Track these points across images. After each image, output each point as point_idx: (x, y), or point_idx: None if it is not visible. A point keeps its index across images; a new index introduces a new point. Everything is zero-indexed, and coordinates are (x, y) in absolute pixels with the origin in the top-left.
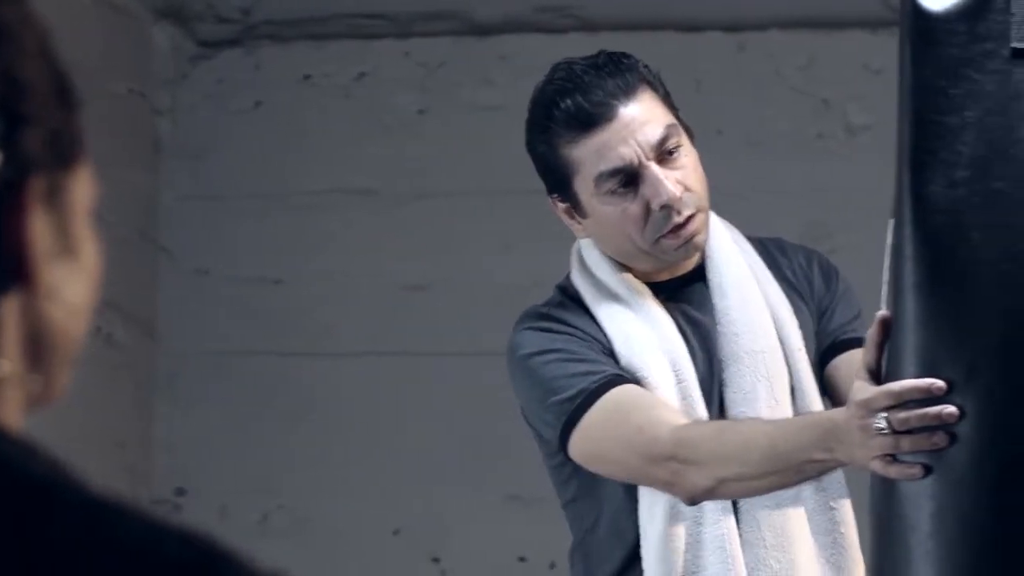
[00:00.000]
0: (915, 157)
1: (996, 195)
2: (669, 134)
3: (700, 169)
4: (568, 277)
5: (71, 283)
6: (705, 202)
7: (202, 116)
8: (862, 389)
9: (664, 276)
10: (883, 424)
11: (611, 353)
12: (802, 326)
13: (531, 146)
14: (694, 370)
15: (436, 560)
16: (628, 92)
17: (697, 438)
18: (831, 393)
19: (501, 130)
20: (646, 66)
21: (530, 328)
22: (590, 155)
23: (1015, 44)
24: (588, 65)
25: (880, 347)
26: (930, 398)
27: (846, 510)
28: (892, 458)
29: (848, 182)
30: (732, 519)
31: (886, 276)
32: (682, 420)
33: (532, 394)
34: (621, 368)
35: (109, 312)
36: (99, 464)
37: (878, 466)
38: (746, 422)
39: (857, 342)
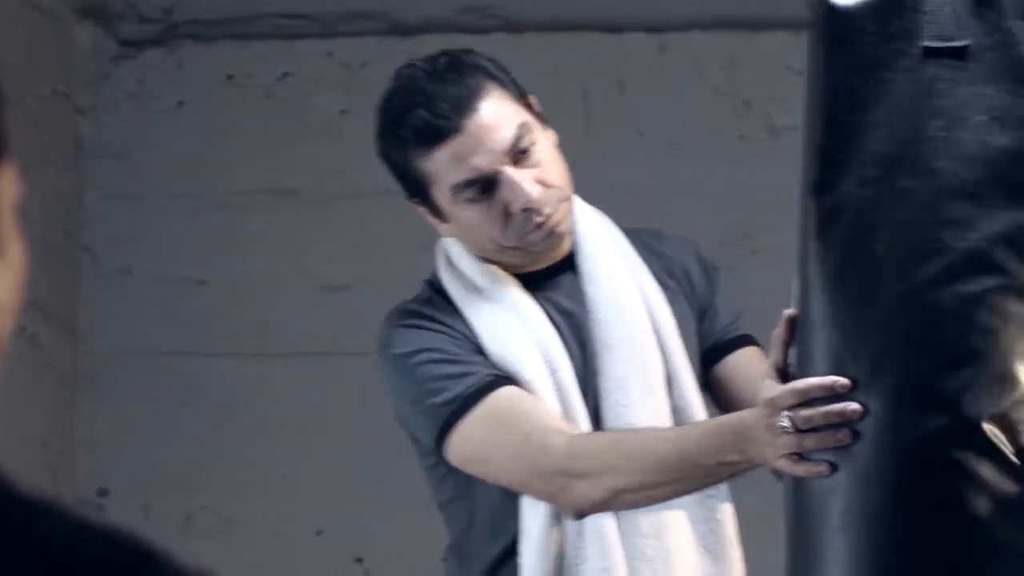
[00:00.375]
0: (824, 155)
1: (903, 194)
2: (521, 134)
3: (558, 158)
4: (435, 273)
5: None
6: (566, 191)
7: (125, 116)
8: (769, 388)
9: (533, 268)
10: (787, 423)
11: (480, 350)
12: (677, 315)
13: (384, 155)
14: (568, 360)
15: (359, 560)
16: (474, 97)
17: (593, 450)
18: (723, 392)
19: None
20: (491, 60)
21: (402, 326)
22: (442, 167)
23: (926, 43)
24: (430, 72)
25: (787, 346)
26: (835, 396)
27: (723, 499)
28: (799, 456)
29: (770, 183)
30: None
31: (798, 273)
32: (568, 428)
33: (406, 395)
34: (494, 365)
35: (32, 312)
36: (22, 464)
37: (785, 465)
38: (644, 430)
39: (745, 340)
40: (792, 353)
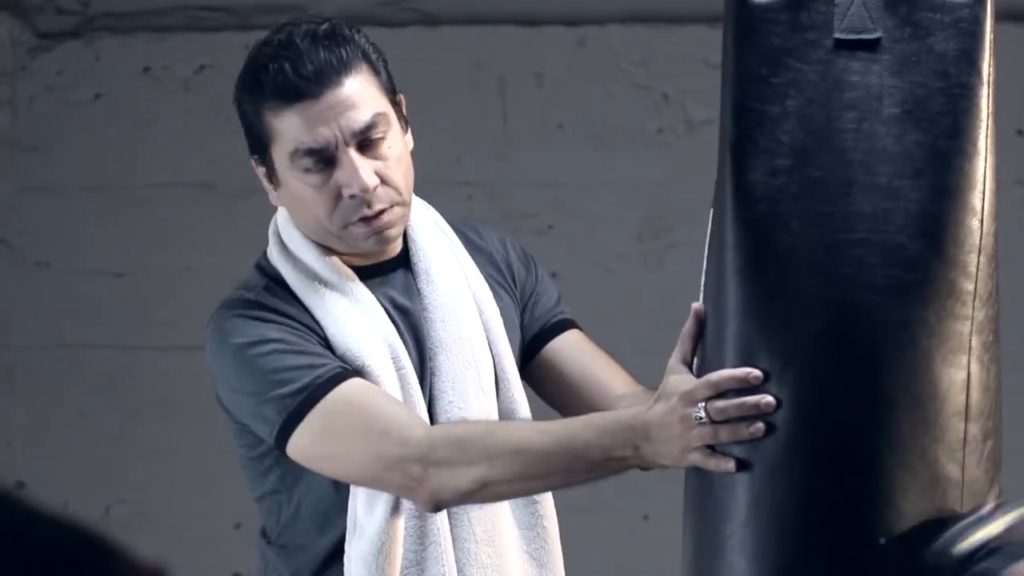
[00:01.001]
0: (736, 145)
1: (815, 184)
2: (376, 122)
3: (406, 161)
4: (266, 258)
5: None
6: (405, 196)
7: (42, 108)
8: (681, 381)
9: (366, 261)
10: (702, 414)
11: (325, 341)
12: (503, 312)
13: (238, 102)
14: (408, 357)
15: None
16: (341, 70)
17: (458, 439)
18: (548, 377)
19: None
20: (372, 44)
21: (240, 315)
22: (289, 128)
23: (838, 35)
24: (308, 33)
25: (695, 339)
26: (748, 387)
27: (548, 504)
28: (711, 451)
29: (688, 177)
30: (444, 513)
31: (705, 265)
32: (418, 420)
33: (244, 386)
34: (338, 358)
35: None
36: None
37: (697, 458)
38: (518, 423)
39: (567, 323)
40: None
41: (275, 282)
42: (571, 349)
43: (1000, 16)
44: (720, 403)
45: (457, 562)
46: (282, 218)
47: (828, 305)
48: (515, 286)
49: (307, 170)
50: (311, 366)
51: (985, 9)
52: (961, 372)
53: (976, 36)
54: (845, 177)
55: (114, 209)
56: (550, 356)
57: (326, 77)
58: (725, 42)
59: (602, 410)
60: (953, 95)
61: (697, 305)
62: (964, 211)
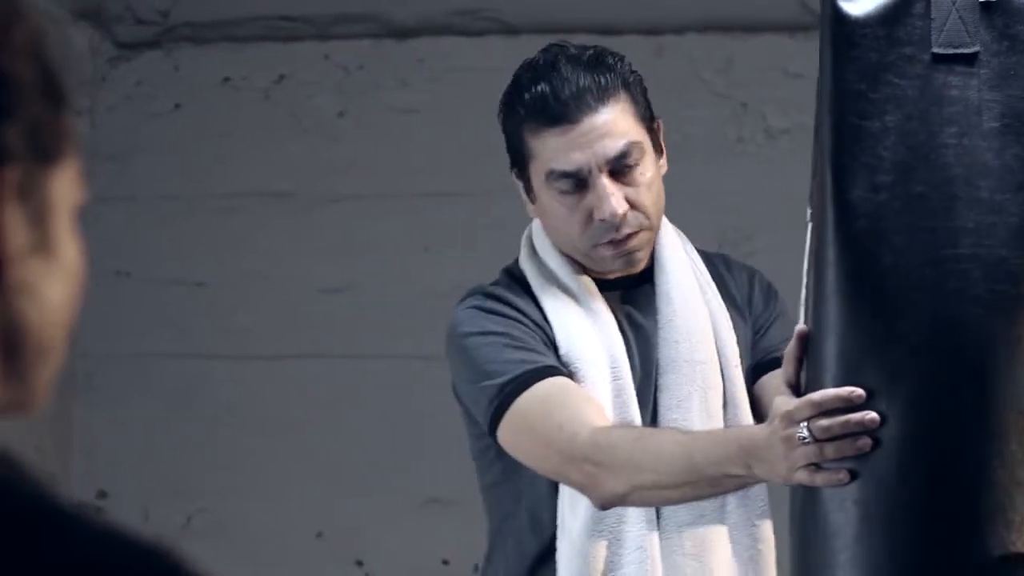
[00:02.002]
0: (836, 161)
1: (917, 199)
2: (629, 151)
3: (657, 187)
4: (516, 261)
5: (48, 282)
6: (654, 221)
7: (121, 118)
8: (784, 403)
9: (613, 275)
10: (805, 434)
11: (552, 342)
12: (740, 342)
13: (502, 120)
14: (630, 371)
15: (359, 563)
16: (601, 96)
17: (615, 442)
18: (756, 409)
19: (419, 132)
20: (633, 72)
21: (474, 307)
22: (547, 150)
23: (936, 49)
24: (573, 57)
25: (799, 361)
26: (851, 406)
27: (767, 529)
28: (816, 467)
29: (767, 185)
30: (654, 521)
31: (805, 281)
32: (603, 421)
33: (466, 374)
34: (559, 358)
35: None
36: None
37: (803, 476)
38: (665, 431)
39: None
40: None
41: (517, 282)
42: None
43: None
44: (824, 421)
45: (665, 571)
46: (536, 226)
47: (934, 320)
48: (751, 316)
49: (561, 191)
50: (524, 361)
51: None
52: None
53: None
54: (947, 192)
55: (193, 218)
56: (758, 390)
57: (585, 103)
58: (822, 56)
59: None
60: None
61: (800, 326)
62: None
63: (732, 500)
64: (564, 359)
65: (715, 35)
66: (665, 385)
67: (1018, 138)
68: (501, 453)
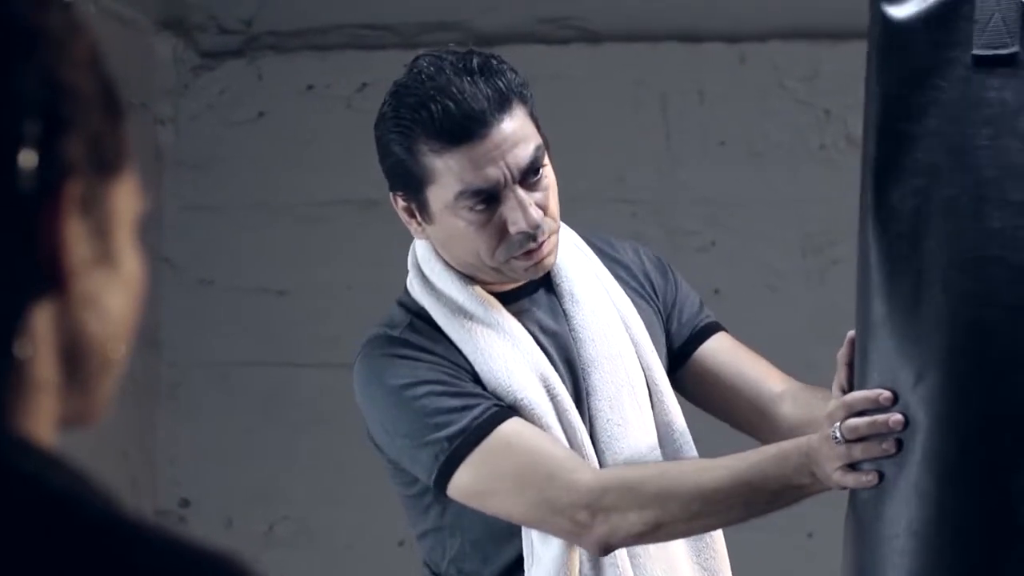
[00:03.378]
0: (877, 164)
1: (949, 203)
2: (538, 156)
3: (555, 187)
4: (407, 292)
5: (110, 293)
6: (558, 225)
7: (205, 127)
8: (831, 406)
9: (509, 286)
10: (837, 434)
11: (475, 376)
12: (648, 326)
13: (384, 142)
14: (561, 382)
15: None
16: (502, 106)
17: (633, 481)
18: (703, 381)
19: None
20: (515, 72)
21: (389, 355)
22: (455, 169)
23: (976, 51)
24: (461, 68)
25: (851, 367)
26: (880, 408)
27: (719, 536)
28: (852, 467)
29: (849, 192)
30: None
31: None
32: (590, 465)
33: (399, 429)
34: (491, 392)
35: None
36: (103, 476)
37: (839, 477)
38: (689, 461)
39: (715, 327)
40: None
41: (419, 317)
42: (723, 351)
43: None
44: (852, 422)
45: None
46: (421, 250)
47: (957, 322)
48: (655, 295)
49: (470, 209)
50: (467, 407)
51: None
52: None
53: None
54: (977, 194)
55: (276, 227)
56: (702, 360)
57: (491, 116)
58: (868, 60)
59: (764, 411)
60: None
61: (852, 333)
62: None
63: None
64: (495, 392)
65: (798, 42)
66: (592, 388)
67: None
68: (439, 499)
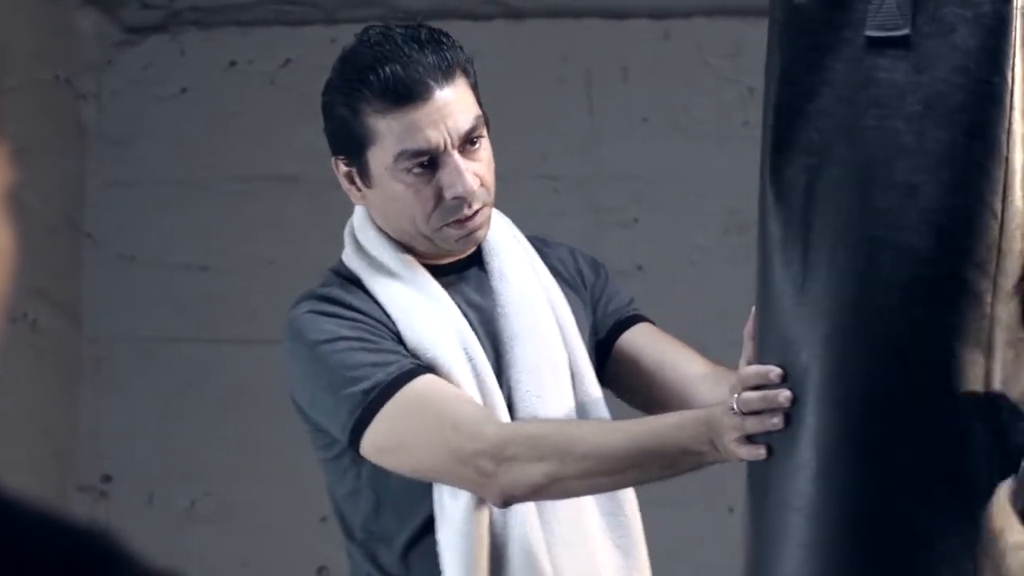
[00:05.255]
0: (773, 141)
1: (838, 181)
2: (476, 124)
3: (493, 163)
4: (341, 261)
5: None
6: (492, 198)
7: (128, 102)
8: (735, 378)
9: (441, 260)
10: (734, 405)
11: (397, 336)
12: (574, 312)
13: (329, 105)
14: (481, 350)
15: None
16: (446, 74)
17: (530, 435)
18: (628, 367)
19: None
20: (462, 49)
21: (312, 312)
22: (396, 130)
23: (869, 32)
24: (409, 37)
25: (755, 340)
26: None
27: (629, 493)
28: (746, 440)
29: None
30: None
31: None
32: (496, 417)
33: (317, 383)
34: (410, 351)
35: (34, 298)
36: (25, 451)
37: (733, 447)
38: (587, 422)
39: (640, 318)
40: None
41: (349, 281)
42: (645, 338)
43: None
44: (746, 395)
45: (545, 540)
46: (358, 219)
47: (843, 300)
48: (584, 287)
49: (409, 171)
50: (384, 363)
51: (1010, 6)
52: (979, 368)
53: (1000, 33)
54: (864, 174)
55: (199, 203)
56: (624, 347)
57: (435, 81)
58: (769, 40)
59: (684, 393)
60: (973, 92)
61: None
62: (981, 208)
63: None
64: (413, 350)
65: (723, 19)
66: (514, 360)
67: (937, 121)
68: (355, 461)
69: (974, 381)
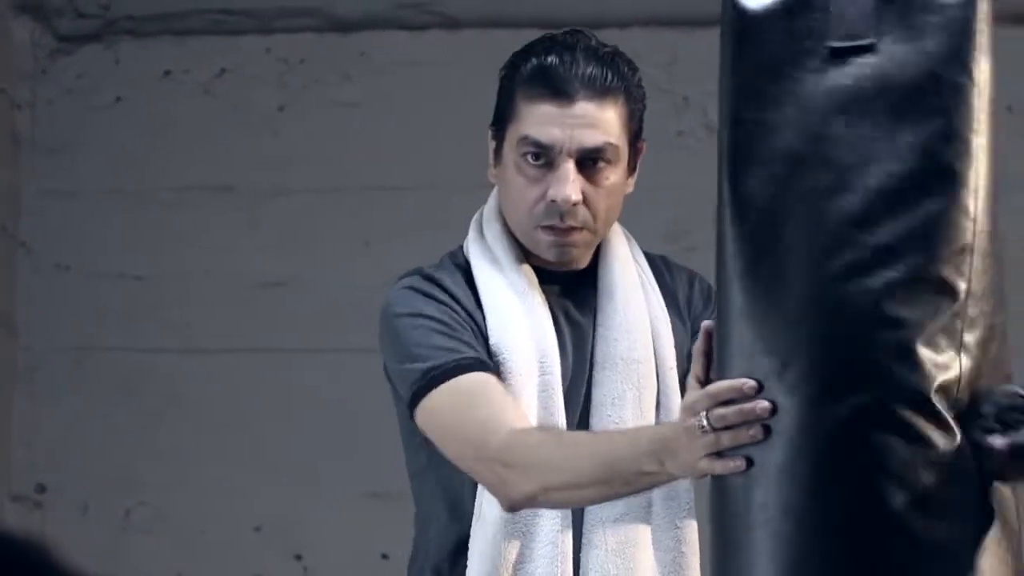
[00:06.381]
0: (732, 154)
1: (807, 191)
2: (605, 149)
3: (617, 199)
4: (461, 246)
5: None
6: (599, 226)
7: (62, 111)
8: (689, 396)
9: (556, 267)
10: (704, 423)
11: (482, 331)
12: (677, 345)
13: (503, 73)
14: (561, 367)
15: (299, 557)
16: (600, 90)
17: (531, 443)
18: None
19: (361, 126)
20: (641, 86)
21: (408, 287)
22: (530, 115)
23: (833, 42)
24: (588, 46)
25: (707, 356)
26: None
27: (691, 531)
28: (719, 455)
29: (708, 180)
30: (569, 518)
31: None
32: (524, 423)
33: (394, 353)
34: (488, 348)
35: None
36: None
37: (706, 465)
38: (581, 433)
39: None
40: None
41: (458, 267)
42: None
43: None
44: (719, 411)
45: (583, 567)
46: (488, 209)
47: (821, 307)
48: (690, 317)
49: (525, 157)
50: (453, 350)
51: (975, 9)
52: (953, 369)
53: (966, 36)
54: (837, 181)
55: (134, 212)
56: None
57: (586, 88)
58: (722, 51)
59: None
60: (943, 96)
61: (707, 323)
62: (955, 210)
63: (658, 500)
64: (493, 349)
65: (658, 29)
66: (599, 381)
67: (908, 126)
68: (427, 439)
69: (950, 381)
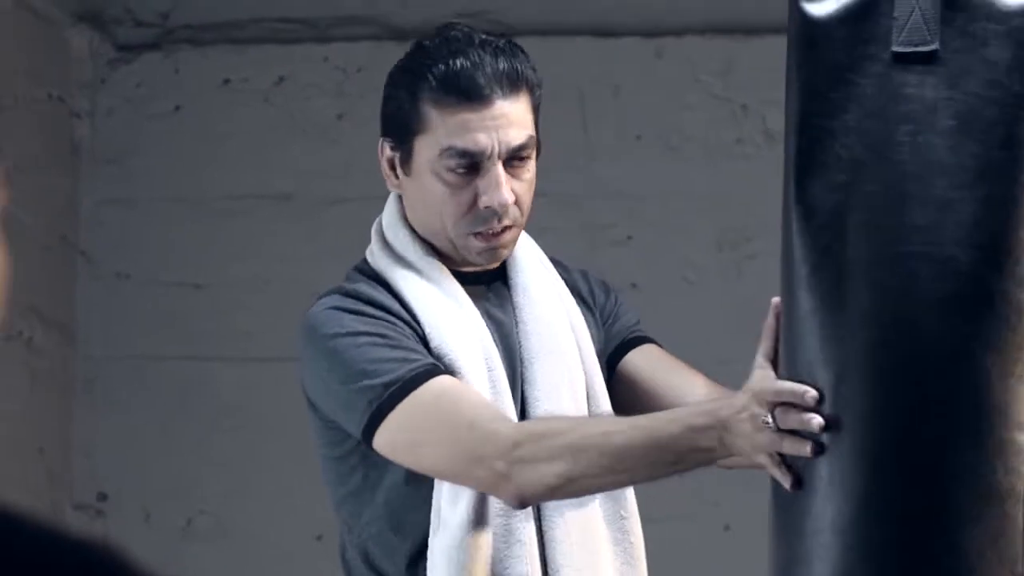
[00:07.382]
0: (798, 160)
1: (870, 197)
2: (528, 143)
3: (533, 189)
4: (365, 261)
5: None
6: (523, 221)
7: (121, 120)
8: (760, 378)
9: (466, 268)
10: (770, 419)
11: (422, 337)
12: (592, 335)
13: (392, 86)
14: (500, 363)
15: None
16: (512, 86)
17: (546, 433)
18: (628, 388)
19: None
20: (534, 69)
21: (335, 308)
22: (448, 125)
23: (896, 48)
24: (487, 42)
25: (775, 334)
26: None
27: (635, 521)
28: (781, 459)
29: (766, 188)
30: (531, 512)
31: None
32: (510, 418)
33: (333, 377)
34: (432, 353)
35: (28, 316)
36: (19, 470)
37: (764, 460)
38: (597, 419)
39: (645, 339)
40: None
41: (373, 279)
42: (648, 359)
43: None
44: (787, 415)
45: (552, 562)
46: (388, 217)
47: (880, 318)
48: (595, 307)
49: (451, 170)
50: (405, 360)
51: None
52: (1017, 384)
53: None
54: (900, 190)
55: (193, 221)
56: (628, 367)
57: (499, 88)
58: (789, 57)
59: None
60: (1007, 105)
61: (777, 299)
62: (1018, 222)
63: (598, 495)
64: (436, 352)
65: (715, 37)
66: (532, 377)
67: (972, 135)
68: (363, 460)
69: (1013, 398)
